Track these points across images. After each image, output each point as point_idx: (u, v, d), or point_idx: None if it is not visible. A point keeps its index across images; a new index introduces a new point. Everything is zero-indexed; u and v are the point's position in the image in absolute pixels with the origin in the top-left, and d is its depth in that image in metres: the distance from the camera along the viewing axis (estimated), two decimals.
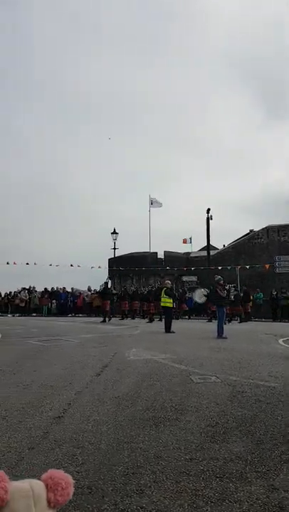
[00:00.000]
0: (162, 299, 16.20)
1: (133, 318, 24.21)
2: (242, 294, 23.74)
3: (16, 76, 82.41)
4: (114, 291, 24.64)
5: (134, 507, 2.84)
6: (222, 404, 5.27)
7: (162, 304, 16.64)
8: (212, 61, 78.78)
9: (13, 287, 31.42)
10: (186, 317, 26.03)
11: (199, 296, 24.36)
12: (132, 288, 26.50)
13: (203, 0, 78.95)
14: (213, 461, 3.57)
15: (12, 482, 0.97)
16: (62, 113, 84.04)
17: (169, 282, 16.68)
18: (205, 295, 18.47)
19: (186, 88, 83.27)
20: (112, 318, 22.68)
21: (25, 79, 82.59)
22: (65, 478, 1.04)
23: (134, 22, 79.57)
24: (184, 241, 38.27)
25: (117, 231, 31.34)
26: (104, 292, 22.66)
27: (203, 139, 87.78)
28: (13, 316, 27.67)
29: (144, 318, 23.81)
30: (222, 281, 14.34)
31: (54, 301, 28.80)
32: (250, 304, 23.95)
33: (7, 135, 79.07)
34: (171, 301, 15.87)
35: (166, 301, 15.83)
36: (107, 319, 21.16)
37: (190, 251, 38.06)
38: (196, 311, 26.77)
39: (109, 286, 24.19)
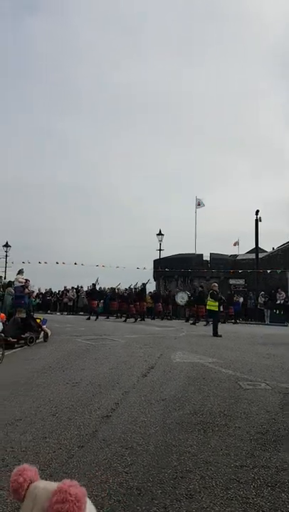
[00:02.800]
0: (208, 302, 16.00)
1: (122, 317, 24.34)
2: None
3: (58, 79, 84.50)
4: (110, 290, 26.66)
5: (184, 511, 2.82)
6: (272, 412, 5.12)
7: (208, 307, 16.44)
8: (259, 61, 77.18)
9: (60, 286, 32.26)
10: (233, 321, 25.56)
11: (180, 298, 24.89)
12: (122, 288, 27.00)
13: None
14: (264, 469, 3.48)
15: (40, 482, 0.96)
16: (105, 114, 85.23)
17: (216, 285, 16.43)
18: (186, 298, 22.30)
19: (232, 88, 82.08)
20: (100, 317, 23.72)
21: (67, 81, 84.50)
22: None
23: (176, 21, 79.30)
24: (235, 243, 37.67)
25: (162, 232, 31.37)
26: (92, 292, 24.56)
27: (250, 138, 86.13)
28: (62, 314, 28.34)
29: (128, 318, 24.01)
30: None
31: (101, 301, 29.18)
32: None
33: (49, 137, 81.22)
34: (217, 304, 15.63)
35: (212, 305, 15.61)
36: (93, 317, 22.83)
37: (237, 253, 37.41)
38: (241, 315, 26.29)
39: (97, 287, 25.42)
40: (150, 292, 26.96)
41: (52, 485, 0.95)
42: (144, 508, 2.85)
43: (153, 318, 24.69)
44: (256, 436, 4.26)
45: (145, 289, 25.01)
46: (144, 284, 24.89)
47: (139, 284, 24.88)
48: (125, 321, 22.33)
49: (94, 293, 24.54)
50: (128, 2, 79.29)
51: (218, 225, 65.70)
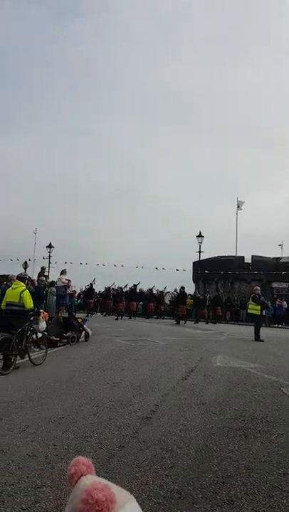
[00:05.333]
0: (250, 306, 15.70)
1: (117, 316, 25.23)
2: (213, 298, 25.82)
3: (96, 77, 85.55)
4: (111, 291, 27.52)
5: None
6: None
7: (249, 311, 16.13)
8: None
9: (101, 287, 32.74)
10: (276, 325, 25.02)
11: (169, 298, 26.04)
12: (116, 288, 27.83)
13: None
14: None
15: (88, 477, 0.96)
16: (144, 113, 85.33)
17: (258, 288, 16.10)
18: (171, 298, 23.74)
19: (275, 88, 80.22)
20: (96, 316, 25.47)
21: (104, 79, 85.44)
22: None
23: (214, 21, 78.48)
24: (280, 245, 36.89)
25: (202, 234, 31.11)
26: (88, 291, 26.67)
27: None
28: (103, 314, 28.71)
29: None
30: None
31: (140, 302, 29.31)
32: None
33: (87, 137, 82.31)
34: (259, 308, 15.29)
35: (254, 308, 15.30)
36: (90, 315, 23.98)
37: (280, 256, 36.50)
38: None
39: (93, 286, 27.34)
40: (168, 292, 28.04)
41: (91, 483, 0.96)
42: None
43: (148, 318, 26.42)
44: None
45: (136, 290, 26.77)
46: (134, 285, 26.92)
47: (130, 285, 26.99)
48: (117, 318, 24.08)
49: (90, 293, 26.71)
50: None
51: (261, 226, 64.30)
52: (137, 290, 27.27)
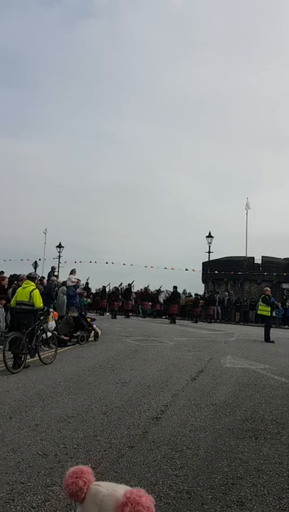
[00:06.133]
0: (259, 307, 15.61)
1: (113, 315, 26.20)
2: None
3: (110, 81, 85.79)
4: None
5: None
6: None
7: (259, 312, 16.04)
8: None
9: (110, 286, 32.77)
10: (286, 326, 24.86)
11: (163, 298, 26.99)
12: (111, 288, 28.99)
13: None
14: None
15: (98, 483, 0.96)
16: (154, 116, 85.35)
17: (268, 289, 15.99)
18: (165, 298, 25.29)
19: (285, 88, 79.60)
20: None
21: (119, 84, 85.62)
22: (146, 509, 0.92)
23: (228, 23, 78.10)
24: None
25: (212, 234, 31.00)
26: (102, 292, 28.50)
27: None
28: (111, 314, 28.75)
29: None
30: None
31: (150, 303, 29.33)
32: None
33: (98, 139, 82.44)
34: (269, 309, 15.20)
35: (264, 310, 15.21)
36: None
37: None
38: None
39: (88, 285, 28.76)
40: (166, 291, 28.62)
41: (116, 491, 0.96)
42: None
43: (144, 317, 27.69)
44: None
45: (130, 289, 27.64)
46: (129, 285, 27.89)
47: (125, 285, 28.09)
48: (114, 317, 25.09)
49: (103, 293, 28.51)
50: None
51: (272, 228, 63.99)
52: (132, 289, 28.30)
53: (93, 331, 12.37)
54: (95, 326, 12.54)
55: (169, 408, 5.31)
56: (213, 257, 32.59)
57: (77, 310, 12.10)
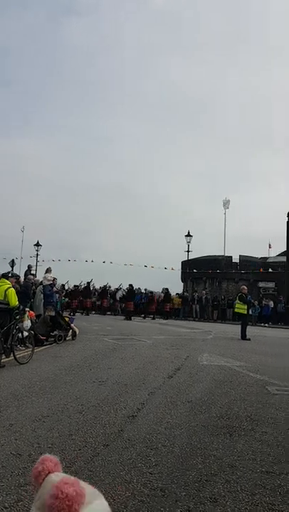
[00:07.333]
0: (236, 305, 15.79)
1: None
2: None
3: (99, 81, 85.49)
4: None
5: None
6: None
7: (236, 310, 16.23)
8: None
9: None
10: (263, 324, 25.28)
11: (119, 295, 28.08)
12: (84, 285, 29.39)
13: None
14: None
15: (56, 474, 0.95)
16: (139, 114, 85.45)
17: (245, 288, 16.20)
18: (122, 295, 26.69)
19: (264, 89, 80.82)
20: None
21: (114, 84, 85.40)
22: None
23: (208, 23, 78.76)
24: (270, 246, 37.25)
25: (191, 233, 31.20)
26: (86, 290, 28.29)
27: (282, 139, 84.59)
28: (90, 313, 28.64)
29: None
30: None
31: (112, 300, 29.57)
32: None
33: (76, 136, 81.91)
34: (246, 307, 15.39)
35: (241, 308, 15.39)
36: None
37: (267, 256, 36.80)
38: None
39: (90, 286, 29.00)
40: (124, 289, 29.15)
41: (61, 478, 0.95)
42: (168, 510, 2.84)
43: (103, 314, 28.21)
44: (283, 443, 4.18)
45: (89, 287, 28.45)
46: (88, 283, 28.60)
47: (84, 283, 28.77)
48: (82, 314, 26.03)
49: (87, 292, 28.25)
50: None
51: (250, 227, 64.86)
52: (91, 288, 29.09)
53: (71, 330, 12.28)
54: (72, 325, 12.45)
55: (145, 406, 5.31)
56: (192, 255, 32.87)
57: (54, 309, 11.99)
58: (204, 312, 28.33)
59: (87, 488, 0.91)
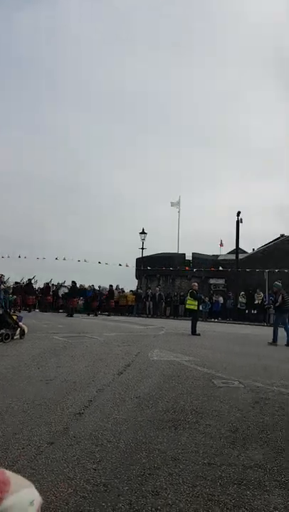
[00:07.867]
0: (188, 302, 16.09)
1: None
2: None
3: (49, 74, 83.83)
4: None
5: (149, 508, 2.83)
6: (244, 410, 5.18)
7: (187, 307, 16.53)
8: (244, 60, 78.02)
9: (40, 283, 32.04)
10: (213, 320, 25.91)
11: (62, 292, 29.06)
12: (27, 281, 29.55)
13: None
14: (232, 467, 3.51)
15: (4, 470, 0.95)
16: (95, 112, 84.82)
17: (196, 284, 16.53)
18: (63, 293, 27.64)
19: (219, 88, 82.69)
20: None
21: (56, 76, 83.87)
22: None
23: (157, 21, 79.43)
24: (221, 244, 38.20)
25: (146, 231, 31.41)
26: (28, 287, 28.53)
27: (235, 139, 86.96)
28: (42, 311, 28.13)
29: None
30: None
31: (81, 297, 29.10)
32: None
33: (40, 133, 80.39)
34: (196, 303, 15.73)
35: (191, 304, 15.71)
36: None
37: (218, 253, 37.75)
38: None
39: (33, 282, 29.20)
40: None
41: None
42: (110, 505, 2.85)
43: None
44: (226, 434, 4.31)
45: (31, 284, 28.65)
46: (29, 280, 28.81)
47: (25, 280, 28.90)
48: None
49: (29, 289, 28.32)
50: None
51: (203, 225, 66.15)
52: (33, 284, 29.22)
53: (19, 329, 11.98)
54: (21, 323, 12.15)
55: (93, 403, 5.29)
56: (146, 253, 33.13)
57: (2, 306, 11.65)
58: (157, 309, 28.70)
59: (14, 478, 0.90)
